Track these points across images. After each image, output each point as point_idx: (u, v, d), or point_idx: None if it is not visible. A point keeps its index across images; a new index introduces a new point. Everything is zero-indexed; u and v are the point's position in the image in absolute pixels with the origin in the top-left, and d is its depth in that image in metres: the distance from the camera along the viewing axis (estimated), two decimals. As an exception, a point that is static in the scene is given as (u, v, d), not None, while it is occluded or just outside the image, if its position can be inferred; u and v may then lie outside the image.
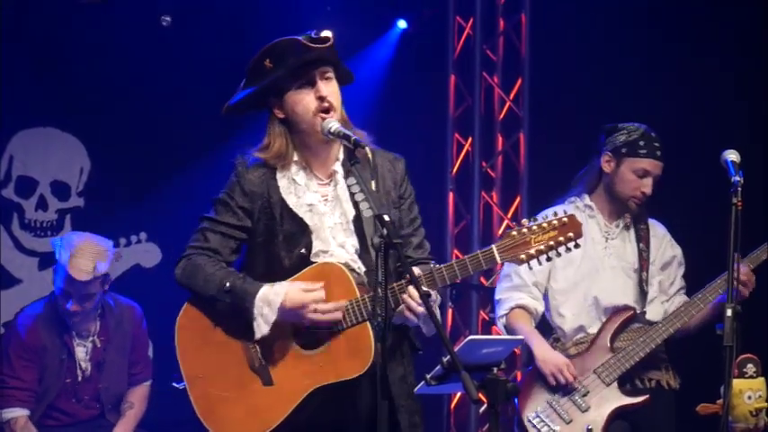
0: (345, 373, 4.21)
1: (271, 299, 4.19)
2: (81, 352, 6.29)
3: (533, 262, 4.21)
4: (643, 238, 5.68)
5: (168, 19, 7.67)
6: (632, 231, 5.70)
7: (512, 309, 5.62)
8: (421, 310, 4.13)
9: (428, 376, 3.98)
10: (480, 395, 3.77)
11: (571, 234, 4.21)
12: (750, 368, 5.02)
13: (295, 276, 4.28)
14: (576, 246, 4.23)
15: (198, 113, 7.08)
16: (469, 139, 8.38)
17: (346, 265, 4.29)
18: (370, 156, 4.13)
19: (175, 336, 4.38)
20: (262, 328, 4.21)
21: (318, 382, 4.23)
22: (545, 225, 4.20)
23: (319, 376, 4.23)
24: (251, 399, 4.28)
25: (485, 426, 8.01)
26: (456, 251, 8.25)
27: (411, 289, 4.13)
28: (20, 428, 6.17)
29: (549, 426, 5.47)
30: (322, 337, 4.26)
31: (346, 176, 4.37)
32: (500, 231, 8.17)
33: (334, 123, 4.24)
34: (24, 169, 7.68)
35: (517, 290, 5.62)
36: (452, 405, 8.14)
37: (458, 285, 8.08)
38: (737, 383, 4.92)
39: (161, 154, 7.69)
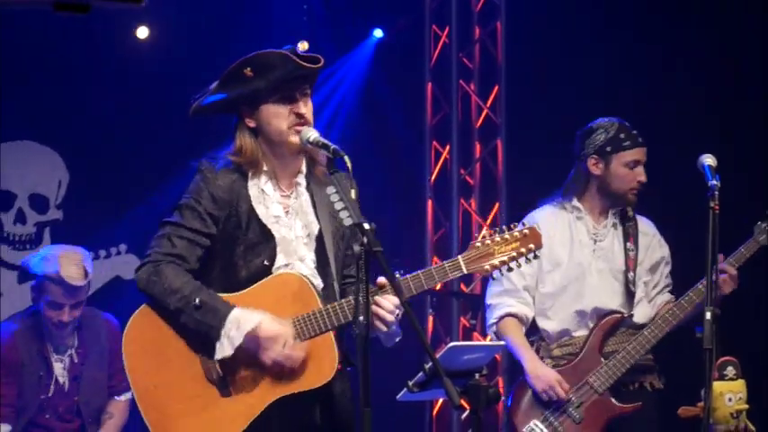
0: (307, 383, 4.20)
1: (241, 323, 4.15)
2: (59, 367, 6.26)
3: (496, 272, 4.35)
4: (631, 236, 5.67)
5: (145, 30, 7.67)
6: (620, 230, 5.68)
7: (502, 318, 5.61)
8: (391, 318, 4.17)
9: (410, 383, 4.00)
10: (462, 401, 3.79)
11: (532, 245, 4.36)
12: (730, 371, 5.04)
13: (257, 285, 4.26)
14: (536, 257, 4.39)
15: (176, 125, 7.08)
16: (447, 147, 8.40)
17: (306, 277, 4.29)
18: (349, 165, 4.14)
19: (123, 343, 4.30)
20: (225, 349, 4.15)
21: (279, 393, 4.20)
22: (507, 237, 4.34)
23: (279, 387, 4.21)
24: (207, 411, 4.22)
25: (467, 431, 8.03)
26: (435, 258, 8.26)
27: (382, 300, 4.17)
28: (2, 444, 6.17)
29: None
30: (276, 363, 4.22)
31: (308, 186, 4.38)
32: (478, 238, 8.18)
33: (312, 133, 4.24)
34: (2, 182, 7.65)
35: (508, 295, 5.61)
36: (434, 411, 8.15)
37: (438, 293, 8.11)
38: (718, 386, 4.94)
39: (140, 166, 7.68)
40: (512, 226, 4.38)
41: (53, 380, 6.23)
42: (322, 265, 4.35)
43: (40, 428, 6.27)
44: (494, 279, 5.62)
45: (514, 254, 4.32)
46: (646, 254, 5.70)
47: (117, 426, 6.38)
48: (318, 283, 4.32)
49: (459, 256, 4.31)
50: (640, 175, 5.58)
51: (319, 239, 4.35)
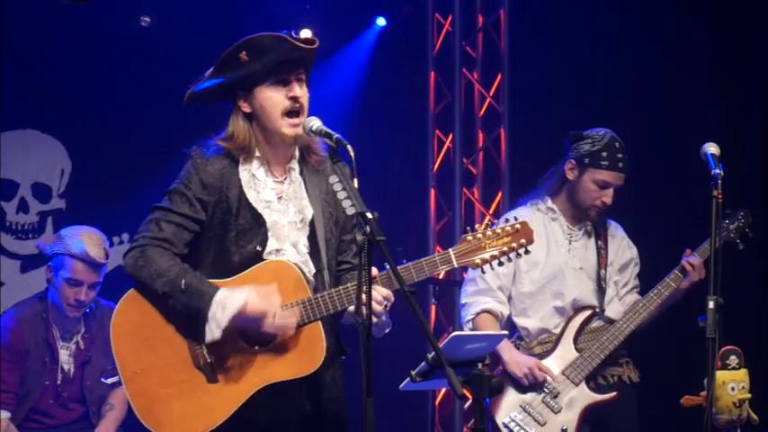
0: (295, 371, 4.24)
1: (227, 304, 4.15)
2: (64, 354, 6.28)
3: (486, 266, 4.36)
4: (602, 236, 5.77)
5: (147, 19, 7.66)
6: (592, 230, 5.79)
7: (477, 313, 5.68)
8: (380, 309, 4.18)
9: (413, 372, 3.99)
10: (465, 391, 3.79)
11: (523, 240, 4.37)
12: (733, 360, 5.04)
13: (247, 272, 4.27)
14: (527, 252, 4.39)
15: (178, 114, 7.03)
16: (450, 136, 8.39)
17: (296, 265, 4.30)
18: (352, 154, 4.14)
19: (111, 327, 4.32)
20: (214, 332, 4.16)
21: (266, 380, 4.23)
22: (499, 231, 4.36)
23: (267, 374, 4.23)
24: (194, 397, 4.24)
25: (470, 421, 8.02)
26: (438, 248, 8.26)
27: (378, 288, 4.18)
28: (2, 430, 6.16)
29: (524, 429, 5.54)
30: (270, 335, 4.25)
31: (301, 173, 4.39)
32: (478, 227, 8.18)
33: (315, 122, 4.24)
34: (5, 172, 7.65)
35: (482, 294, 5.70)
36: (437, 401, 8.16)
37: (441, 282, 8.09)
38: (721, 375, 4.95)
39: (142, 155, 7.67)
40: (505, 219, 4.40)
41: (58, 366, 6.25)
42: (315, 250, 4.36)
43: (42, 415, 6.29)
44: (468, 280, 5.75)
45: (505, 248, 4.35)
46: (616, 255, 5.80)
47: (117, 418, 6.39)
48: (310, 268, 4.35)
49: (451, 249, 4.35)
50: (606, 196, 5.63)
51: (312, 225, 4.37)
